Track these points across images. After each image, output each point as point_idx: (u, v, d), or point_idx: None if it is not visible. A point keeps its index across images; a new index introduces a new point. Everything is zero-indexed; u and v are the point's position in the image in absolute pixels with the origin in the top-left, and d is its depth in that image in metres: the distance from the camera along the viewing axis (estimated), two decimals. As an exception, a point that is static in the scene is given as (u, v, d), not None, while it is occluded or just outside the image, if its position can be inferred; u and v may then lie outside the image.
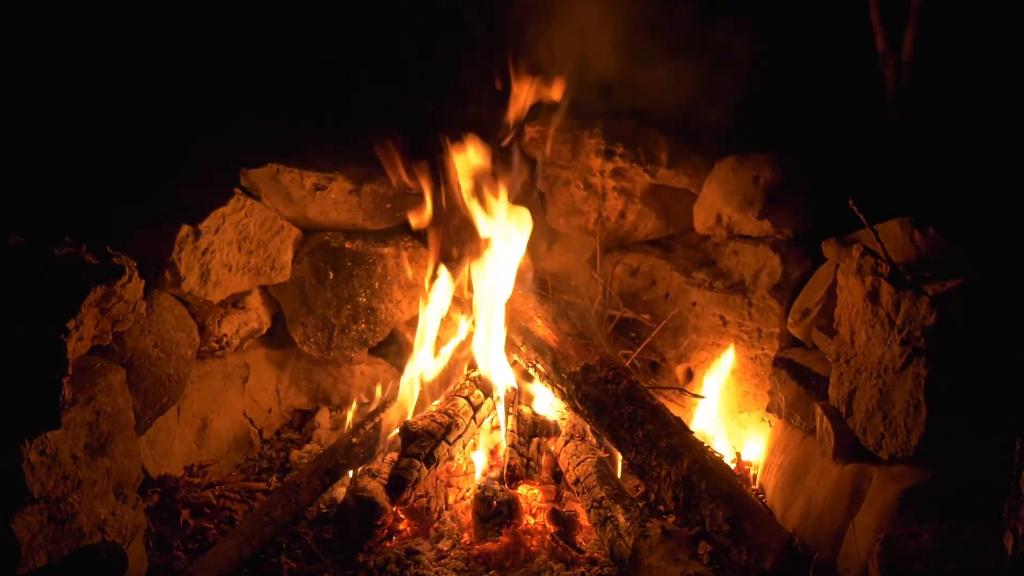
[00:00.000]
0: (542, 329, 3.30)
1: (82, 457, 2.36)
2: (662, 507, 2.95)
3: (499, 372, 3.37)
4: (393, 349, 3.98)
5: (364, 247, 3.80)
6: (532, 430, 3.31)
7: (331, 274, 3.74)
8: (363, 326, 3.82)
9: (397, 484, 2.92)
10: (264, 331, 3.74)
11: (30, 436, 2.15)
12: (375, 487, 2.94)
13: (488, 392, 3.37)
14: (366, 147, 3.64)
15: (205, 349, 3.38)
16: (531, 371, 3.36)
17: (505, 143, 3.59)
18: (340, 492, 3.12)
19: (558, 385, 3.17)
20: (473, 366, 3.48)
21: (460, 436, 3.18)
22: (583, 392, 3.03)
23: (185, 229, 3.10)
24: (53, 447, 2.23)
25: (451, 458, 3.19)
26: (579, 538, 2.98)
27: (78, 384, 2.39)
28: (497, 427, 3.36)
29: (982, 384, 2.28)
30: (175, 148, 3.47)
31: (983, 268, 2.40)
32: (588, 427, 3.24)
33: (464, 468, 3.30)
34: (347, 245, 3.78)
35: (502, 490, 3.03)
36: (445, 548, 2.90)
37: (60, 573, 2.22)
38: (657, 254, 3.91)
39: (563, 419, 3.35)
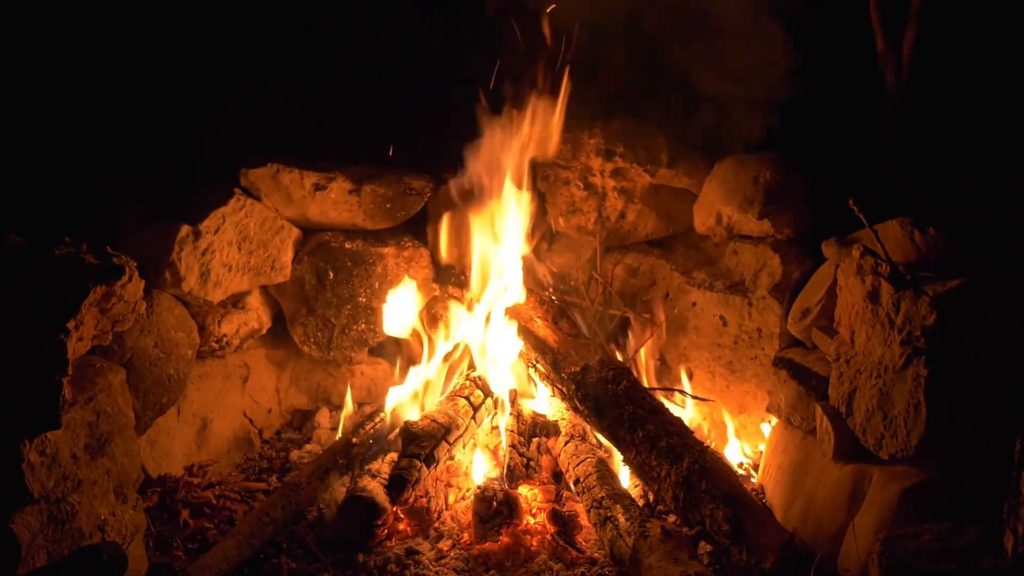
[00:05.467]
0: (542, 329, 3.30)
1: (82, 457, 2.36)
2: (662, 507, 2.95)
3: (499, 373, 3.37)
4: (393, 349, 3.98)
5: (364, 247, 3.80)
6: (532, 430, 3.32)
7: (331, 274, 3.74)
8: (363, 326, 3.82)
9: (397, 484, 2.93)
10: (264, 331, 3.74)
11: (30, 436, 2.15)
12: (375, 487, 2.94)
13: (488, 392, 3.37)
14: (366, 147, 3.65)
15: (205, 349, 3.38)
16: (531, 371, 3.36)
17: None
18: (340, 492, 3.12)
19: (558, 385, 3.17)
20: (473, 366, 3.48)
21: (460, 436, 3.18)
22: (583, 392, 3.03)
23: (185, 229, 3.10)
24: (53, 447, 2.23)
25: (451, 458, 3.19)
26: (579, 538, 2.98)
27: (78, 384, 2.38)
28: (497, 427, 3.36)
29: (982, 384, 2.28)
30: (175, 148, 3.47)
31: (983, 268, 2.40)
32: (588, 427, 3.24)
33: (464, 468, 3.30)
34: (347, 245, 3.78)
35: (502, 490, 3.03)
36: (445, 548, 2.90)
37: (60, 573, 2.22)
38: (657, 254, 3.91)
39: (563, 419, 3.35)
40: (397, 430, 3.18)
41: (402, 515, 3.04)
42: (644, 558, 2.46)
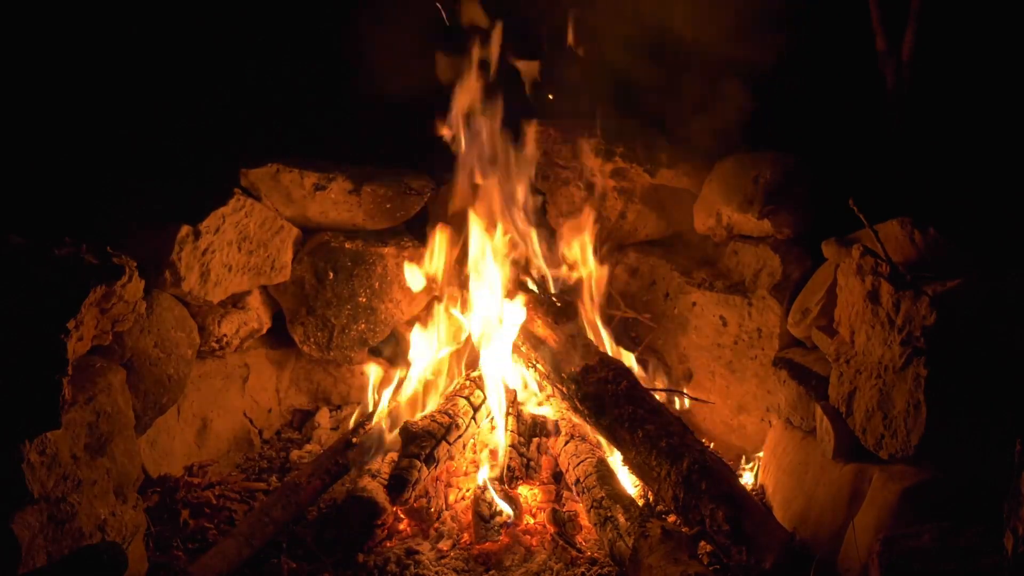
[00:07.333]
0: (542, 329, 3.30)
1: (82, 457, 2.36)
2: (662, 507, 2.95)
3: (498, 372, 3.37)
4: (393, 349, 3.98)
5: (364, 247, 3.80)
6: (532, 430, 3.32)
7: (331, 274, 3.74)
8: (363, 326, 3.82)
9: (397, 484, 2.93)
10: (264, 331, 3.74)
11: (30, 436, 2.15)
12: (375, 487, 2.94)
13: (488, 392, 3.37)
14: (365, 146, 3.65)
15: (205, 349, 3.38)
16: (531, 371, 3.36)
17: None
18: (340, 492, 3.12)
19: (558, 385, 3.17)
20: (473, 366, 3.48)
21: (460, 436, 3.18)
22: (583, 392, 3.03)
23: (185, 229, 3.10)
24: (53, 447, 2.23)
25: (451, 458, 3.19)
26: (579, 538, 2.98)
27: (78, 384, 2.39)
28: (497, 427, 3.36)
29: (982, 384, 2.28)
30: (175, 148, 3.47)
31: (983, 268, 2.40)
32: (588, 427, 3.24)
33: (464, 468, 3.30)
34: (347, 245, 3.78)
35: (502, 490, 3.03)
36: (445, 548, 2.90)
37: (60, 573, 2.22)
38: (657, 254, 3.90)
39: (563, 419, 3.35)
40: (397, 430, 3.18)
41: (402, 515, 3.04)
42: (644, 558, 2.46)
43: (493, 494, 3.00)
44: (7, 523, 2.13)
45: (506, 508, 2.97)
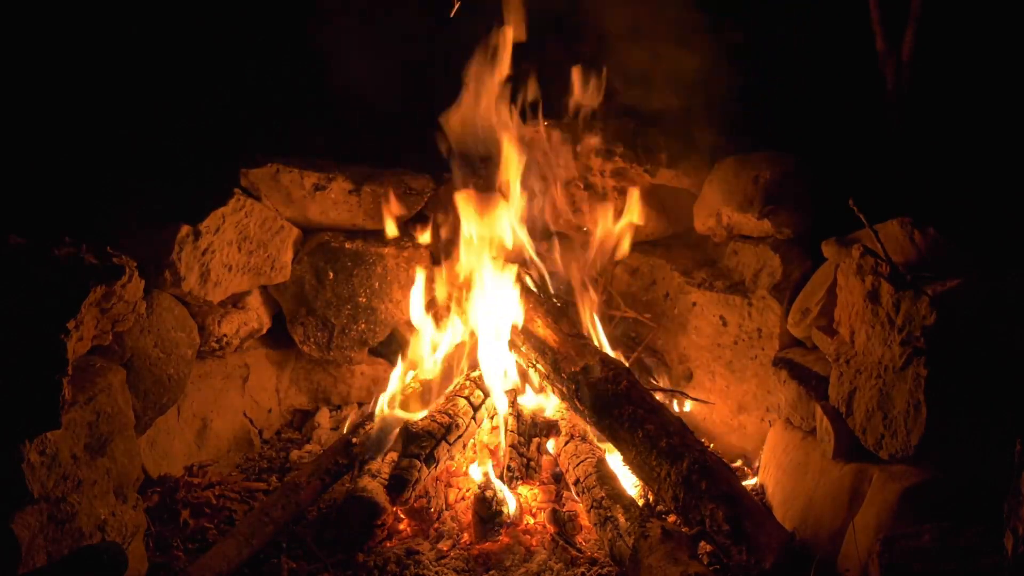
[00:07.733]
0: (542, 329, 3.30)
1: (82, 457, 2.36)
2: (662, 507, 2.95)
3: (499, 372, 3.37)
4: (393, 349, 3.98)
5: (364, 247, 3.80)
6: (532, 430, 3.31)
7: (331, 274, 3.74)
8: (363, 326, 3.82)
9: (397, 484, 2.93)
10: (264, 331, 3.74)
11: (30, 436, 2.15)
12: (375, 487, 2.94)
13: (488, 392, 3.37)
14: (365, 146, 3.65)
15: (205, 349, 3.38)
16: (531, 371, 3.36)
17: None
18: (340, 492, 3.12)
19: (558, 385, 3.17)
20: (473, 366, 3.48)
21: (460, 436, 3.18)
22: (583, 392, 3.03)
23: (185, 229, 3.10)
24: (53, 447, 2.23)
25: (451, 458, 3.19)
26: (579, 538, 2.98)
27: (78, 384, 2.39)
28: (497, 427, 3.36)
29: (982, 384, 2.28)
30: (175, 148, 3.47)
31: (983, 268, 2.40)
32: (588, 427, 3.24)
33: (464, 468, 3.30)
34: (347, 245, 3.78)
35: (502, 490, 3.02)
36: (445, 548, 2.90)
37: (60, 573, 2.22)
38: (657, 254, 3.90)
39: (563, 419, 3.35)
40: (397, 430, 3.18)
41: (402, 515, 3.04)
42: (644, 558, 2.46)
43: (499, 488, 2.98)
44: (7, 523, 2.13)
45: (510, 502, 2.96)
